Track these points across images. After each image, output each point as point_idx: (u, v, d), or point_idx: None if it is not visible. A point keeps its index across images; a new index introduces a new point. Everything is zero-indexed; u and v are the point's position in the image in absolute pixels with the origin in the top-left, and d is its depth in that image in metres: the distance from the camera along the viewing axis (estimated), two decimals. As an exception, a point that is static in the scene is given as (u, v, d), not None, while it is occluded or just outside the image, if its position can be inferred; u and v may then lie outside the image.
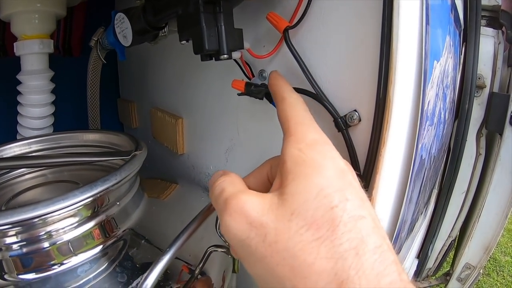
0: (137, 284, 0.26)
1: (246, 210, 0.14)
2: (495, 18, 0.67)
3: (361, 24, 0.21)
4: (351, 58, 0.22)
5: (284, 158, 0.15)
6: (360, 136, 0.22)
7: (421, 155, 0.30)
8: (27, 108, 0.45)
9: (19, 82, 0.44)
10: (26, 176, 0.40)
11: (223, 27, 0.20)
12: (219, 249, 0.29)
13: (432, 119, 0.34)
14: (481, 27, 0.62)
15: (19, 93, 0.45)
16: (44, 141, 0.42)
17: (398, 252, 0.36)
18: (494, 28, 0.66)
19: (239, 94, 0.26)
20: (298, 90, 0.24)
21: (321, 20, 0.22)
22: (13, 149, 0.41)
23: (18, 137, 0.48)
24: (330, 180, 0.13)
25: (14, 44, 0.42)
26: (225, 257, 0.32)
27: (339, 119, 0.22)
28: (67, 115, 0.58)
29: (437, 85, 0.34)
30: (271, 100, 0.27)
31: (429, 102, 0.31)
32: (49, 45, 0.42)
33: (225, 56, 0.21)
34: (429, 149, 0.35)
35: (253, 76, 0.29)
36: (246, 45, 0.24)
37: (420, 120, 0.23)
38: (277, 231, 0.13)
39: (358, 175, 0.15)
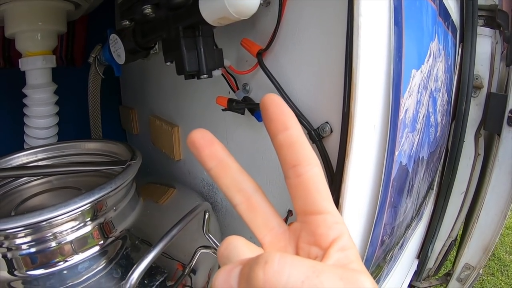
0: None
1: None
2: (492, 18, 0.67)
3: (330, 39, 0.22)
4: (322, 73, 0.23)
5: None
6: (333, 146, 0.23)
7: (400, 162, 0.31)
8: (33, 119, 0.48)
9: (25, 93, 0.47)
10: (33, 183, 0.43)
11: (202, 49, 0.22)
12: (207, 250, 0.32)
13: (413, 126, 0.35)
14: (478, 27, 0.62)
15: (24, 105, 0.48)
16: (49, 150, 0.45)
17: (383, 256, 0.37)
18: (491, 28, 0.65)
19: (223, 110, 0.27)
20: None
21: (294, 39, 0.24)
22: (21, 158, 0.44)
23: (25, 146, 0.51)
24: None
25: (19, 60, 0.44)
26: (212, 256, 0.34)
27: (313, 132, 0.23)
28: (71, 123, 0.61)
29: (418, 92, 0.34)
30: (253, 112, 0.29)
31: (406, 110, 0.32)
32: (51, 60, 0.45)
33: (205, 76, 0.22)
34: (412, 154, 0.36)
35: (238, 88, 0.30)
36: (227, 62, 0.26)
37: (391, 130, 0.25)
38: None
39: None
